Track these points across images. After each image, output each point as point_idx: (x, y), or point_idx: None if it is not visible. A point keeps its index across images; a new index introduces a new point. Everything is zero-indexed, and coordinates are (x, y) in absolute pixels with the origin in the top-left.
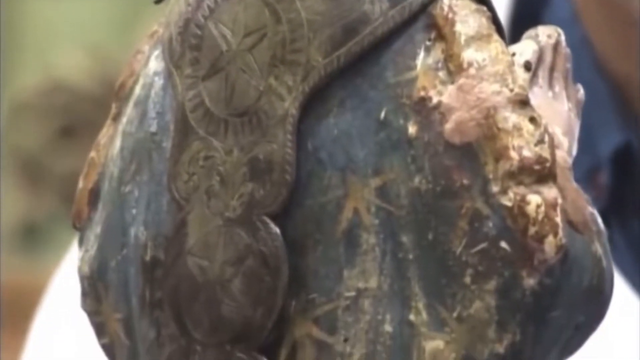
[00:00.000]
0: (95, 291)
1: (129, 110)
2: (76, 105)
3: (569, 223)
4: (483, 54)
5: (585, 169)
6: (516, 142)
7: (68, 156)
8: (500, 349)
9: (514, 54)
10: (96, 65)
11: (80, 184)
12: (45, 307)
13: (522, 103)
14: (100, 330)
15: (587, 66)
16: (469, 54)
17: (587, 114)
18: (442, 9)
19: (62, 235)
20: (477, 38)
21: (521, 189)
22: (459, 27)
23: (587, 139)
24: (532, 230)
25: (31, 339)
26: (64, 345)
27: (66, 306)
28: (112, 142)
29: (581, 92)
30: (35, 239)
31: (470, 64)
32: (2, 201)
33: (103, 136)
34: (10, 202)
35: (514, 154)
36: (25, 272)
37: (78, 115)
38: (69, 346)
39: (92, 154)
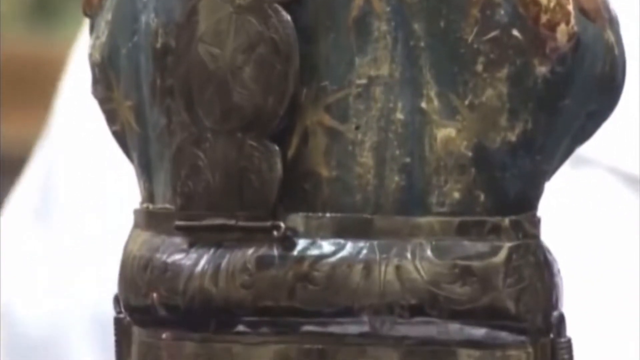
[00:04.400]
0: (106, 78)
1: None
2: None
3: (581, 11)
4: None
5: None
6: None
7: None
8: (512, 137)
9: None
10: None
11: None
12: (65, 88)
13: None
14: (111, 117)
15: None
16: None
17: None
18: None
19: (75, 10)
20: None
21: None
22: None
23: None
24: (544, 18)
25: (55, 114)
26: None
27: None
28: None
29: None
30: (48, 13)
31: None
32: None
33: None
34: None
35: None
36: (38, 46)
37: None
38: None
39: None
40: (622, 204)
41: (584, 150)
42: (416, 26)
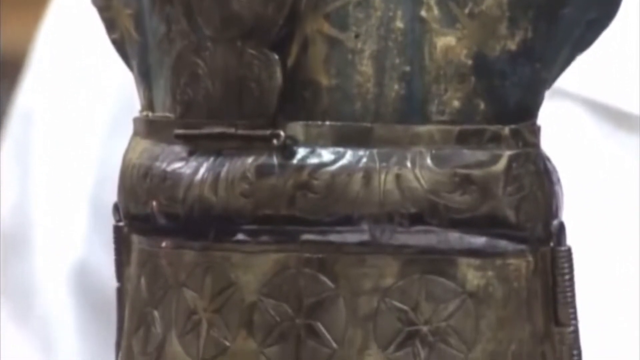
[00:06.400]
0: None
1: None
2: None
3: None
4: None
5: None
6: None
7: None
8: (512, 45)
9: None
10: None
11: None
12: None
13: None
14: (110, 25)
15: None
16: None
17: None
18: None
19: None
20: None
21: None
22: None
23: None
24: None
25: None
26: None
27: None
28: None
29: None
30: None
31: None
32: None
33: None
34: None
35: None
36: None
37: None
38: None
39: None
40: (598, 135)
41: (561, 81)
42: None
